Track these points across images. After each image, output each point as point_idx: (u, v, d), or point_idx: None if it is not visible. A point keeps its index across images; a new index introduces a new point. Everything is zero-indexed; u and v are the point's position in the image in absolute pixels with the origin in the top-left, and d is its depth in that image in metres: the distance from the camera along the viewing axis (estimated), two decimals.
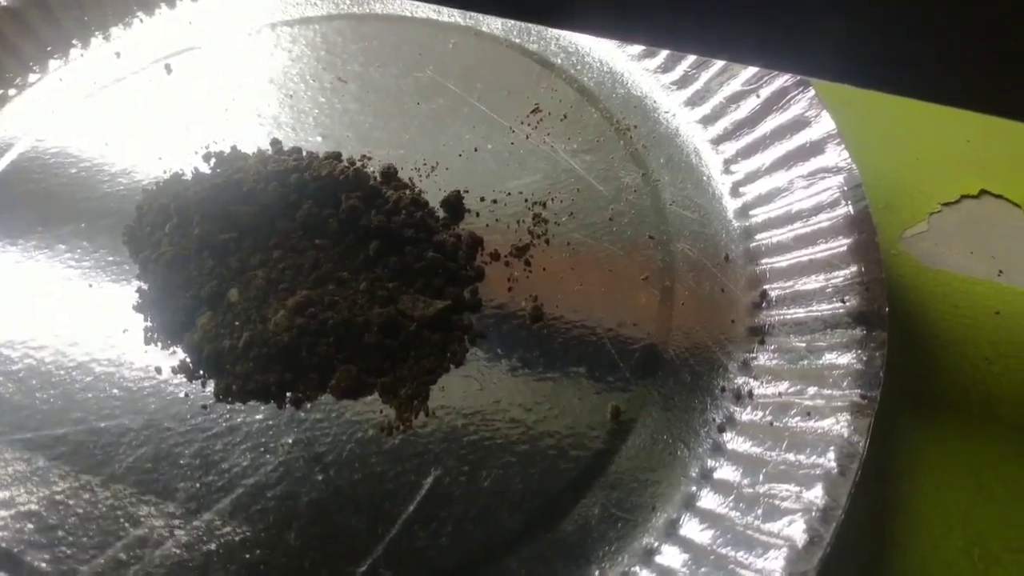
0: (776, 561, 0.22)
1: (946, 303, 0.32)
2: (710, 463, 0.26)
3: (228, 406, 0.27)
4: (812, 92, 0.34)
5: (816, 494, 0.24)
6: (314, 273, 0.29)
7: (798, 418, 0.26)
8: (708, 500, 0.25)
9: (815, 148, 0.33)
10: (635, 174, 0.35)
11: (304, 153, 0.33)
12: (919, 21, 0.22)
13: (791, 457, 0.25)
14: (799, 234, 0.31)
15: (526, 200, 0.34)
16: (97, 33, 0.40)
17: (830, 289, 0.29)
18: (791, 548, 0.23)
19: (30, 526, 0.24)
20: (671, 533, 0.25)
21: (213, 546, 0.24)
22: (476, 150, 0.36)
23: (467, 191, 0.34)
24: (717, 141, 0.36)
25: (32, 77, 0.38)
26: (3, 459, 0.26)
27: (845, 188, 0.31)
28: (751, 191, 0.34)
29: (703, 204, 0.34)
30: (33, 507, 0.25)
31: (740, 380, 0.29)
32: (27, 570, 0.24)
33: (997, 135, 0.38)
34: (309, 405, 0.27)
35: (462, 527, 0.25)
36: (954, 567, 0.25)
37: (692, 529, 0.25)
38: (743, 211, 0.34)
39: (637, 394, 0.28)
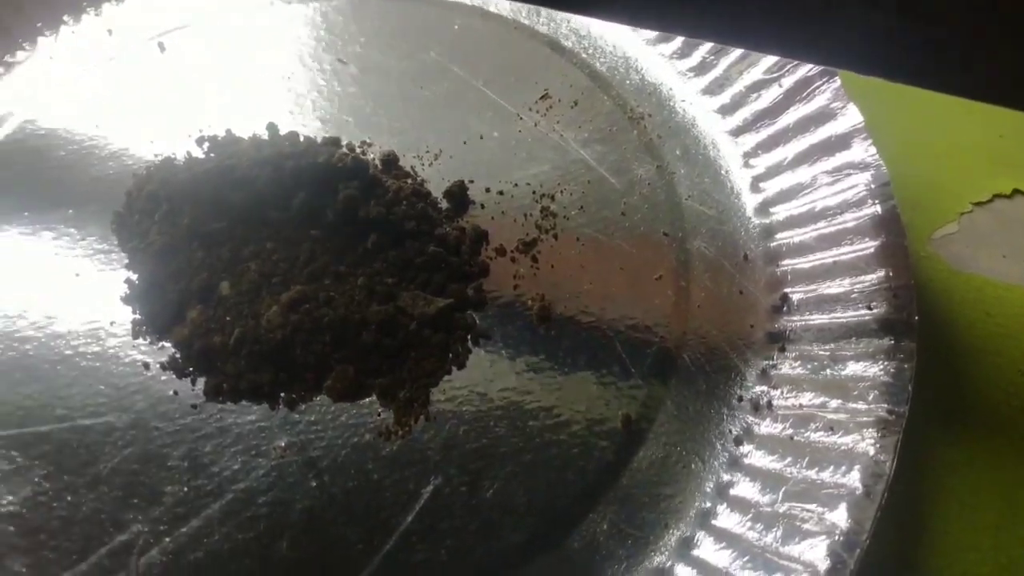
0: None
1: (977, 310, 0.31)
2: (726, 478, 0.26)
3: (219, 406, 0.27)
4: (838, 82, 0.33)
5: (839, 516, 0.23)
6: (309, 267, 0.29)
7: (820, 432, 0.26)
8: (724, 518, 0.25)
9: (841, 142, 0.32)
10: (649, 166, 0.34)
11: (301, 138, 0.33)
12: (950, 7, 0.21)
13: (813, 475, 0.25)
14: (823, 234, 0.31)
15: (534, 192, 0.33)
16: (89, 9, 0.40)
17: (855, 294, 0.28)
18: (812, 574, 0.22)
19: (11, 528, 0.24)
20: (684, 553, 0.24)
21: (201, 554, 0.24)
22: (481, 138, 0.35)
23: (471, 181, 0.33)
24: (736, 133, 0.35)
25: (21, 55, 0.38)
26: None
27: (872, 186, 0.30)
28: (772, 187, 0.33)
29: (721, 199, 0.33)
30: (14, 508, 0.25)
31: (759, 389, 0.28)
32: (7, 574, 0.23)
33: None
34: (303, 407, 0.27)
35: (462, 541, 0.25)
36: None
37: (707, 549, 0.24)
38: (763, 208, 0.33)
39: (649, 402, 0.28)
